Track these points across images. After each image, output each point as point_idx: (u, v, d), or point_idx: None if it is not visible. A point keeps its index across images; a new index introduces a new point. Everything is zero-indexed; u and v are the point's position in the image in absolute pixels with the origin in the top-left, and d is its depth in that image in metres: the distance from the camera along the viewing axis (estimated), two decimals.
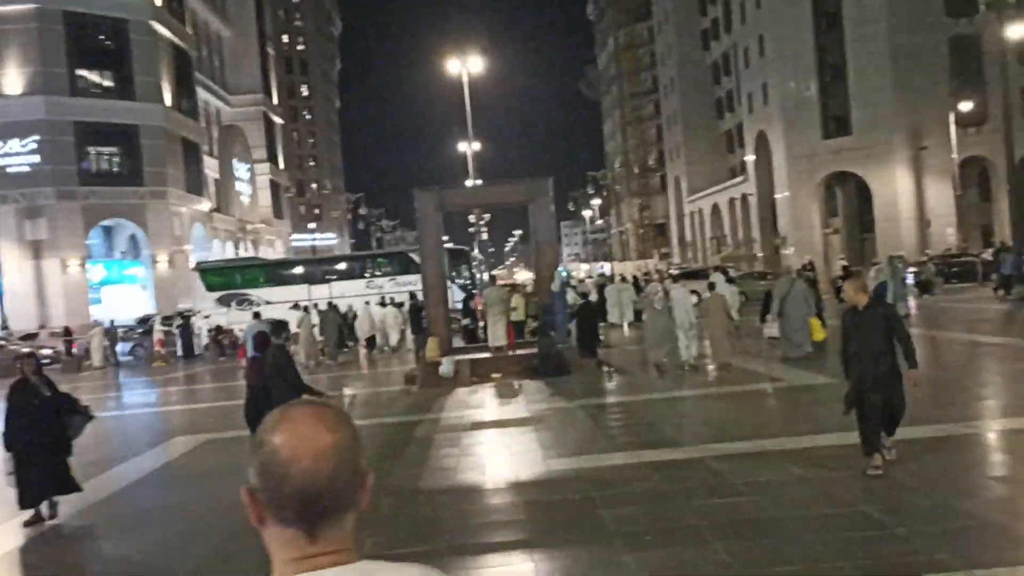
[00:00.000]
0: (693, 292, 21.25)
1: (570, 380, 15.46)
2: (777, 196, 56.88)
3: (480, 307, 22.94)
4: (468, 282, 35.31)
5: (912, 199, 50.71)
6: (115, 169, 45.68)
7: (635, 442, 9.48)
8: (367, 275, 35.09)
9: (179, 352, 28.24)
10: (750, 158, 61.29)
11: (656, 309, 17.14)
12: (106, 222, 46.16)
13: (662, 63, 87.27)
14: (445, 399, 14.42)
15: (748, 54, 60.47)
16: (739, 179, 65.33)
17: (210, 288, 34.98)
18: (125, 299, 46.01)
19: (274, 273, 37.50)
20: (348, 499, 1.17)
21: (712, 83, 75.15)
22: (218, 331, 28.17)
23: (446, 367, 15.93)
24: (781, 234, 56.68)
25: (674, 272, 33.89)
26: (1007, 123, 25.47)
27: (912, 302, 23.50)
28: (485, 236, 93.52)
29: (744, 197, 63.83)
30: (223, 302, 33.76)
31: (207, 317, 29.63)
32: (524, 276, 64.49)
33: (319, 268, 37.86)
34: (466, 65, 40.42)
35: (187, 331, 27.76)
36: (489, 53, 42.90)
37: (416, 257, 34.72)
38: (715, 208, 72.12)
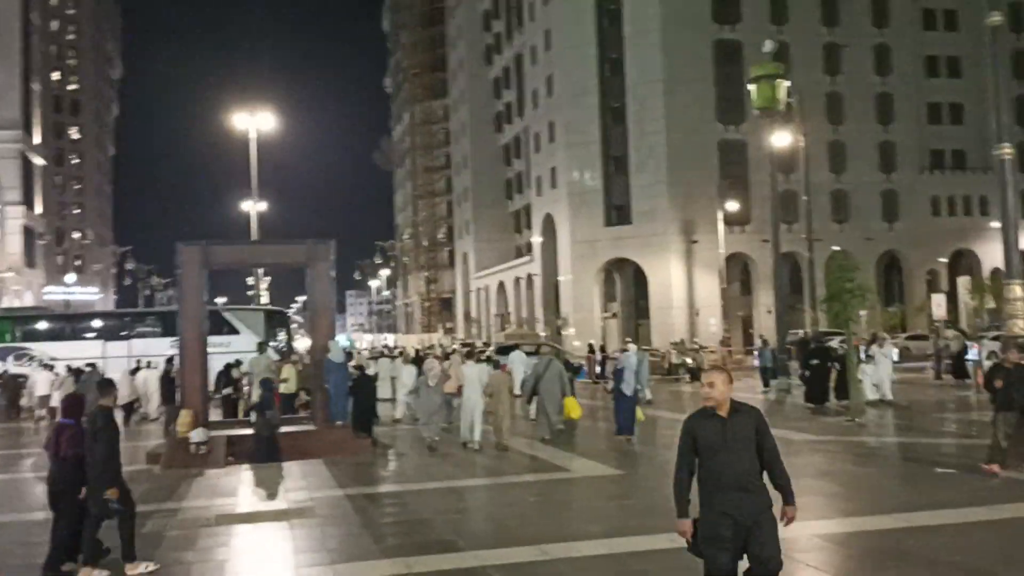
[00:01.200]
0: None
1: (343, 463, 14.10)
2: (560, 278, 58.46)
3: (243, 378, 21.04)
4: (284, 347, 32.16)
5: (684, 288, 53.71)
6: None
7: (406, 545, 8.36)
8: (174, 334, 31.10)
9: None
10: (536, 239, 62.86)
11: (430, 386, 16.68)
12: None
13: (456, 141, 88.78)
14: (192, 483, 12.59)
15: (539, 139, 62.56)
16: (525, 259, 66.78)
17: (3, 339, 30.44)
18: None
19: (64, 326, 33.26)
20: None
21: (504, 164, 77.08)
22: None
23: (197, 435, 14.11)
24: (563, 315, 58.12)
25: (460, 347, 33.23)
26: (775, 223, 27.20)
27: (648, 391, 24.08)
28: (265, 299, 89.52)
29: (529, 277, 65.21)
30: (2, 355, 29.56)
31: None
32: (305, 344, 61.82)
33: (119, 323, 33.78)
34: (255, 121, 38.64)
35: None
36: (282, 113, 41.48)
37: (233, 319, 32.11)
38: (501, 286, 73.18)
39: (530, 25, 63.61)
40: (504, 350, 29.65)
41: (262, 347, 21.09)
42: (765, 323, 54.14)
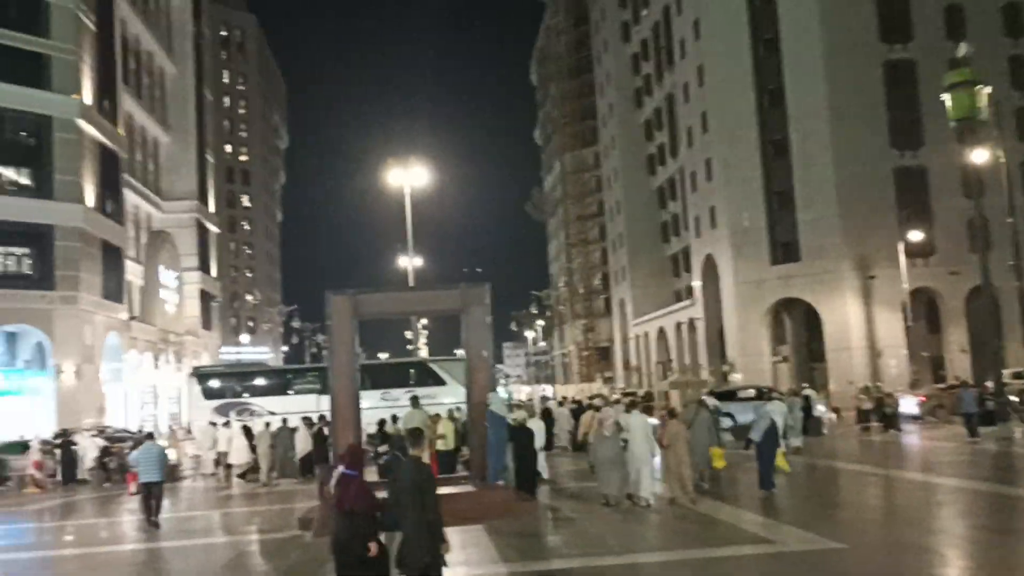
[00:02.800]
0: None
1: (506, 530, 12.62)
2: (725, 322, 55.54)
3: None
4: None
5: (862, 328, 49.62)
6: (23, 271, 42.26)
7: None
8: (385, 387, 31.43)
9: (59, 477, 24.45)
10: (697, 283, 60.29)
11: (606, 436, 15.23)
12: (9, 327, 42.40)
13: (608, 187, 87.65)
14: None
15: (695, 178, 60.32)
16: (686, 303, 64.18)
17: (208, 396, 31.44)
18: (25, 413, 41.82)
19: (281, 380, 34.28)
20: None
21: (658, 207, 75.11)
22: (105, 453, 24.60)
23: None
24: (729, 360, 55.05)
25: (620, 396, 31.38)
26: (983, 250, 24.01)
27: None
28: (424, 353, 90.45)
29: (691, 321, 62.48)
30: (221, 411, 30.35)
31: (95, 435, 26.07)
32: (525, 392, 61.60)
33: (323, 376, 34.27)
34: (409, 178, 38.85)
35: (69, 452, 24.13)
36: (436, 169, 41.69)
37: (439, 370, 32.31)
38: (661, 332, 70.68)
39: (681, 63, 61.90)
40: (725, 396, 28.03)
41: (415, 401, 20.09)
42: (959, 363, 49.19)
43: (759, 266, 52.39)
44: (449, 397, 28.76)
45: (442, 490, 14.88)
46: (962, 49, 25.11)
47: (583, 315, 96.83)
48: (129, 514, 18.90)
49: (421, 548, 6.89)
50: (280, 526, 14.34)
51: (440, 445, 18.37)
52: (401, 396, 30.03)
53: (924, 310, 51.63)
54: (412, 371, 33.56)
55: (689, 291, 65.68)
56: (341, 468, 7.60)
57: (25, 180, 42.99)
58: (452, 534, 12.47)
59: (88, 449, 24.95)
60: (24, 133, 43.24)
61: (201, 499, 20.48)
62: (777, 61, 52.79)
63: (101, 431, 29.46)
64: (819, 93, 50.35)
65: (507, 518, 13.38)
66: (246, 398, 31.38)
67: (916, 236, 45.44)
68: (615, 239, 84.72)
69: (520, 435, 15.74)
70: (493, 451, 15.38)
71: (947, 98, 23.80)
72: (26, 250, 42.34)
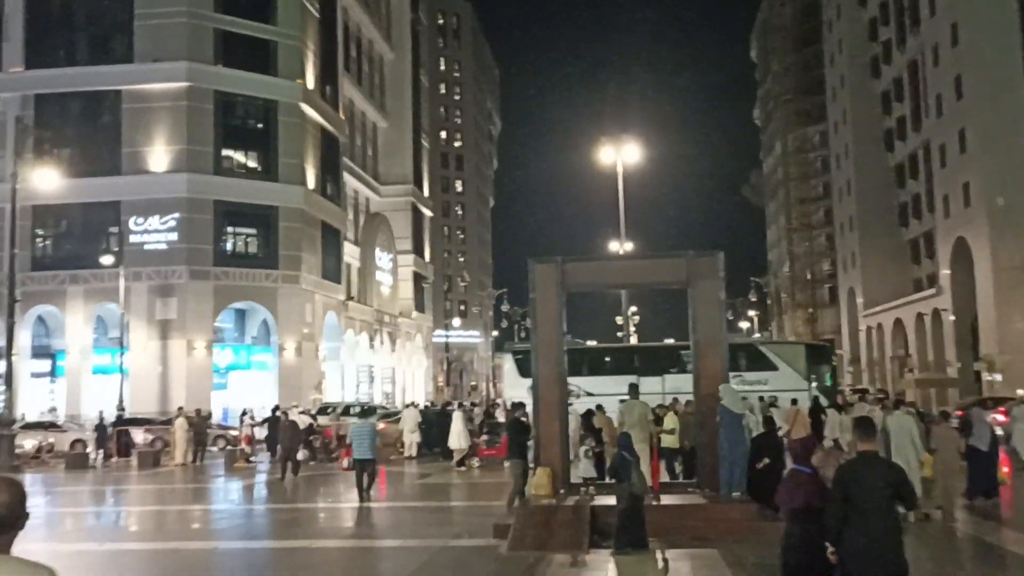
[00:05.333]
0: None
1: (746, 556, 10.05)
2: (980, 313, 48.82)
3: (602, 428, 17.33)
4: (832, 387, 29.67)
5: None
6: (250, 250, 44.08)
7: None
8: None
9: (268, 452, 24.36)
10: (945, 270, 53.59)
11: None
12: (238, 305, 44.39)
13: (836, 167, 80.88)
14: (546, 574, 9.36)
15: (945, 152, 53.50)
16: (930, 292, 57.39)
17: (524, 374, 31.16)
18: (252, 386, 43.72)
19: (600, 361, 32.61)
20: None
21: (895, 186, 67.97)
22: (310, 430, 24.22)
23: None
24: (984, 357, 48.33)
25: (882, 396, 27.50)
26: None
27: None
28: (634, 339, 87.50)
29: (936, 312, 55.69)
30: None
31: (303, 412, 25.86)
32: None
33: (654, 358, 32.63)
34: (621, 158, 36.54)
35: (275, 428, 23.96)
36: (648, 152, 39.07)
37: (771, 354, 30.09)
38: (898, 323, 63.89)
39: (929, 22, 55.07)
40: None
41: (634, 390, 17.35)
42: None
43: None
44: (782, 383, 26.72)
45: (666, 500, 12.59)
46: None
47: (805, 305, 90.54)
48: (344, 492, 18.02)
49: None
50: (472, 532, 12.50)
51: (665, 441, 15.87)
52: (730, 380, 27.99)
53: None
54: (742, 355, 30.60)
55: (931, 279, 58.70)
56: (792, 465, 6.69)
57: (253, 163, 44.80)
58: (680, 558, 10.15)
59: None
60: (252, 119, 45.04)
61: (407, 486, 19.33)
62: None
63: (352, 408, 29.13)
64: None
65: (747, 541, 10.79)
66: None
67: None
68: (844, 223, 78.02)
69: (761, 441, 13.02)
70: (726, 456, 12.78)
71: None
72: (253, 231, 44.13)
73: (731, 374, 27.39)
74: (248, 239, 44.00)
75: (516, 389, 29.96)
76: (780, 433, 13.80)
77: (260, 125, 44.73)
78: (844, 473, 5.91)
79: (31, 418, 36.50)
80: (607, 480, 12.90)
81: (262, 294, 43.21)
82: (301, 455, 21.82)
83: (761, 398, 23.89)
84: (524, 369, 30.05)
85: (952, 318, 52.49)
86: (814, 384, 28.16)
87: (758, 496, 12.58)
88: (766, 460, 12.76)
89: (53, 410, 40.23)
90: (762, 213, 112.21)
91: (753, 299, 76.28)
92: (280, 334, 43.31)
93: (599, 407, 18.71)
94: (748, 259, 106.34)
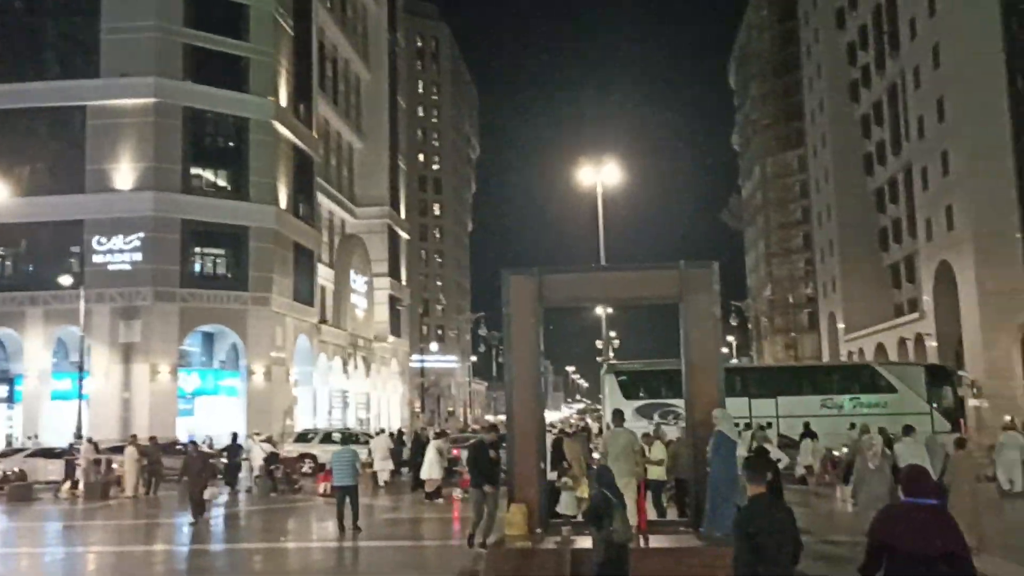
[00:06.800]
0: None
1: None
2: (965, 338, 48.15)
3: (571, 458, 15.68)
4: (954, 408, 28.44)
5: None
6: (219, 271, 42.59)
7: None
8: (826, 393, 28.55)
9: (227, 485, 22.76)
10: (927, 294, 53.01)
11: (871, 468, 12.59)
12: (206, 327, 42.82)
13: (816, 191, 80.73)
14: None
15: (927, 174, 53.10)
16: (912, 316, 56.80)
17: (628, 396, 29.15)
18: (220, 412, 42.05)
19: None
20: None
21: (875, 211, 67.67)
22: (271, 460, 22.76)
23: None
24: (967, 382, 47.56)
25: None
26: None
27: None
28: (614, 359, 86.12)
29: (919, 337, 55.04)
30: (643, 413, 27.99)
31: (265, 440, 24.40)
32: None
33: (764, 379, 31.70)
34: (601, 180, 35.57)
35: (235, 457, 22.42)
36: (627, 177, 38.14)
37: (890, 375, 28.81)
38: (880, 348, 63.21)
39: (910, 45, 54.89)
40: None
41: (619, 417, 15.84)
42: None
43: (1011, 273, 44.85)
44: (901, 407, 25.90)
45: (655, 543, 11.33)
46: None
47: (785, 329, 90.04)
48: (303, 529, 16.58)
49: None
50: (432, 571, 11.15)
51: (652, 474, 14.58)
52: (845, 403, 27.44)
53: None
54: (859, 376, 30.25)
55: (912, 304, 58.21)
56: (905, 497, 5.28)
57: (222, 182, 43.43)
58: None
59: (256, 455, 23.20)
60: (222, 136, 43.74)
61: (374, 521, 17.92)
62: None
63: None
64: None
65: None
66: (669, 399, 27.64)
67: None
68: (824, 247, 77.71)
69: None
70: (716, 487, 11.51)
71: None
72: (222, 251, 42.68)
73: (847, 396, 27.66)
74: (217, 260, 42.53)
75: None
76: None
77: (231, 143, 43.46)
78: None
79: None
80: (581, 521, 11.47)
81: (231, 317, 41.70)
82: (254, 485, 20.25)
83: (761, 426, 22.88)
84: (630, 391, 28.85)
85: (935, 344, 51.81)
86: (934, 406, 27.18)
87: None
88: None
89: (33, 437, 38.15)
90: (742, 238, 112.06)
91: (734, 323, 75.67)
92: (249, 358, 41.79)
93: (579, 431, 17.49)
94: (728, 284, 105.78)
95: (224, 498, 21.49)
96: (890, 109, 61.81)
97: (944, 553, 4.92)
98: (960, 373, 32.98)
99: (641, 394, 28.84)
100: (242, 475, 23.83)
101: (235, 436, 24.04)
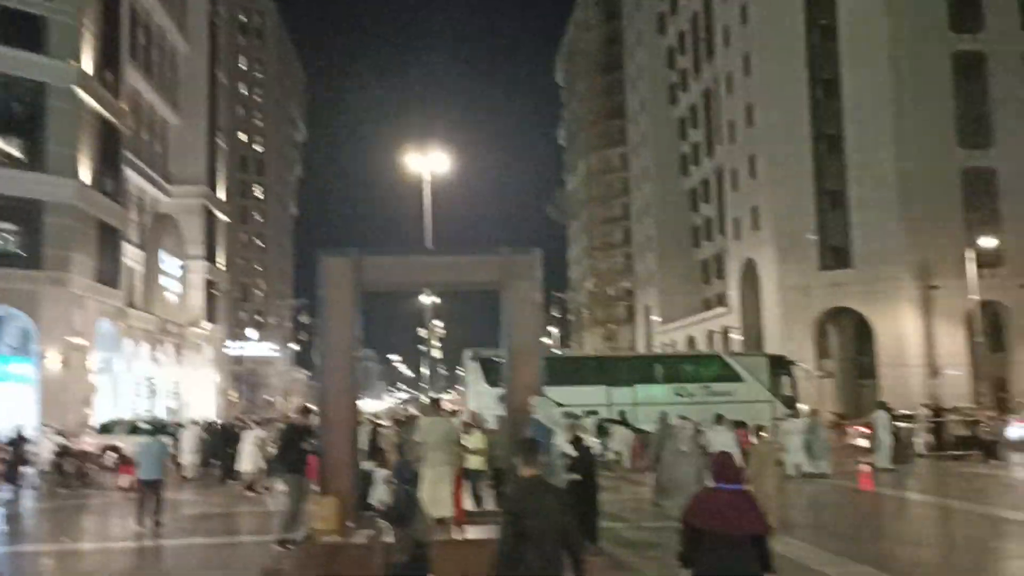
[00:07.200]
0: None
1: None
2: (765, 331, 51.46)
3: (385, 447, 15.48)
4: (792, 396, 29.96)
5: (921, 343, 45.48)
6: (9, 248, 38.80)
7: None
8: (679, 382, 29.27)
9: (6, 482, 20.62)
10: (732, 289, 56.28)
11: (683, 452, 13.15)
12: None
13: (636, 188, 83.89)
14: None
15: (736, 176, 56.32)
16: (720, 310, 60.16)
17: (491, 382, 27.78)
18: (8, 402, 38.39)
19: (566, 370, 31.01)
20: None
21: (689, 209, 71.18)
22: (63, 452, 20.88)
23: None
24: (803, 372, 51.00)
25: None
26: None
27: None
28: (438, 353, 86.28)
29: (725, 330, 58.41)
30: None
31: (57, 433, 22.40)
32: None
33: (623, 368, 32.02)
34: (428, 168, 35.16)
35: (19, 451, 20.31)
36: (455, 167, 37.74)
37: (733, 363, 29.84)
38: (690, 341, 66.62)
39: (724, 52, 57.96)
40: None
41: (435, 406, 15.46)
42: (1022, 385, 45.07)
43: (806, 272, 48.37)
44: (747, 395, 27.26)
45: (471, 533, 11.15)
46: None
47: (604, 321, 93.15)
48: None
49: None
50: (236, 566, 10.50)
51: (472, 464, 14.37)
52: (696, 392, 28.25)
53: (986, 326, 47.49)
54: (710, 365, 31.45)
55: (720, 298, 61.67)
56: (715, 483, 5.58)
57: (15, 151, 39.54)
58: None
59: (43, 448, 21.21)
60: (16, 101, 39.85)
61: (180, 515, 16.74)
62: (834, 49, 48.83)
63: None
64: (880, 84, 46.38)
65: None
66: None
67: (988, 243, 41.25)
68: (642, 243, 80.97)
69: (580, 460, 11.88)
70: None
71: None
72: (12, 226, 38.91)
73: (700, 385, 28.65)
74: (6, 236, 38.74)
75: (482, 399, 27.64)
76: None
77: (25, 109, 39.59)
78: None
79: None
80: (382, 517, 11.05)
81: (21, 297, 38.10)
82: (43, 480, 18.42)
83: (575, 415, 23.20)
84: (493, 377, 27.98)
85: (740, 337, 55.10)
86: (776, 394, 28.79)
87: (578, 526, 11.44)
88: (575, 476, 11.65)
89: None
90: (565, 231, 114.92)
91: (556, 314, 77.49)
92: (43, 343, 38.33)
93: (409, 419, 17.12)
94: (552, 276, 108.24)
95: (5, 496, 19.52)
96: (705, 113, 65.09)
97: (749, 534, 5.21)
98: (800, 364, 35.30)
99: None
100: (28, 471, 21.74)
101: (20, 428, 21.85)
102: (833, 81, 48.80)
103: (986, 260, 43.57)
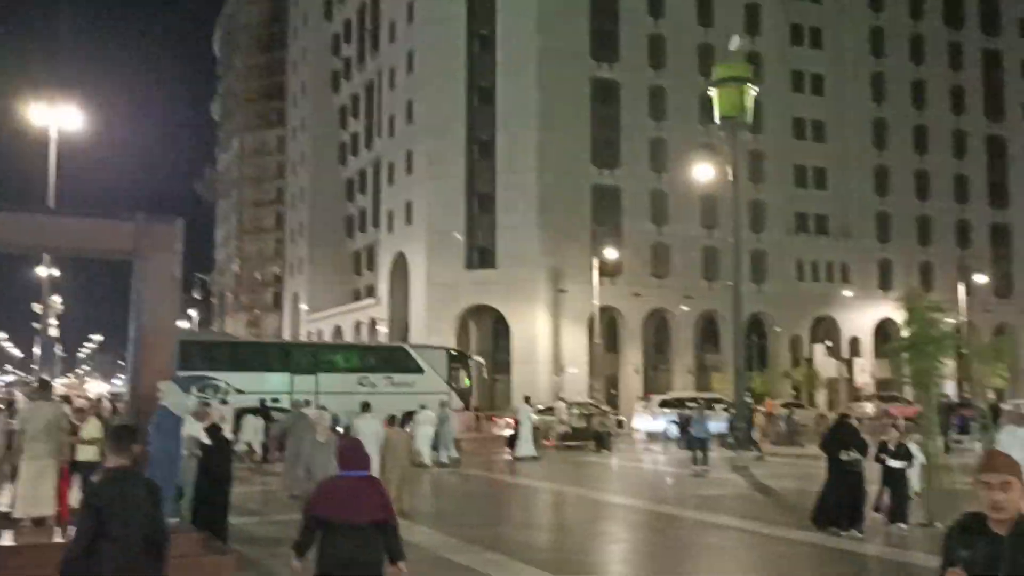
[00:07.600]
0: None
1: None
2: (412, 324, 52.63)
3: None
4: (468, 389, 31.62)
5: (549, 342, 49.26)
6: None
7: None
8: (362, 372, 28.98)
9: None
10: (383, 281, 56.88)
11: (320, 443, 12.62)
12: None
13: (292, 173, 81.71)
14: None
15: (393, 170, 56.98)
16: (369, 301, 60.49)
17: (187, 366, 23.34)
18: None
19: (248, 356, 30.28)
20: None
21: (345, 199, 70.79)
22: None
23: None
24: (480, 367, 52.24)
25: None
26: (736, 277, 22.99)
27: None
28: (55, 332, 76.85)
29: (373, 321, 58.84)
30: (185, 385, 20.13)
31: None
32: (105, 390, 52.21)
33: (307, 355, 31.48)
34: (56, 116, 30.95)
35: None
36: (92, 135, 33.58)
37: (415, 355, 30.88)
38: (338, 331, 66.23)
39: (389, 46, 58.38)
40: None
41: (46, 387, 13.44)
42: (631, 383, 50.73)
43: (454, 269, 50.24)
44: (428, 386, 27.71)
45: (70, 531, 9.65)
46: (734, 43, 24.22)
47: (249, 306, 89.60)
48: None
49: None
50: None
51: (82, 455, 12.54)
52: (379, 382, 28.36)
53: (604, 329, 52.75)
54: (393, 356, 32.02)
55: (370, 289, 62.04)
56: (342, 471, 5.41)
57: None
58: None
59: None
60: None
61: None
62: (491, 58, 51.27)
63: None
64: (529, 98, 49.51)
65: None
66: (215, 371, 27.02)
67: (610, 254, 45.80)
68: (295, 229, 79.10)
69: (214, 449, 10.86)
70: (159, 468, 10.27)
71: (715, 93, 22.44)
72: None
73: (381, 376, 28.35)
74: None
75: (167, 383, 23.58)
76: None
77: None
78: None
79: None
80: None
81: None
82: None
83: (207, 402, 21.69)
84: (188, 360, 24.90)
85: (387, 329, 55.81)
86: (453, 387, 29.62)
87: (207, 523, 10.41)
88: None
89: None
90: (213, 209, 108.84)
91: (197, 297, 72.94)
92: None
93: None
94: (194, 256, 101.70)
95: None
96: (367, 104, 65.09)
97: (374, 521, 5.16)
98: (475, 358, 36.86)
99: (186, 363, 26.20)
100: None
101: None
102: (489, 89, 51.15)
103: (607, 269, 48.35)
